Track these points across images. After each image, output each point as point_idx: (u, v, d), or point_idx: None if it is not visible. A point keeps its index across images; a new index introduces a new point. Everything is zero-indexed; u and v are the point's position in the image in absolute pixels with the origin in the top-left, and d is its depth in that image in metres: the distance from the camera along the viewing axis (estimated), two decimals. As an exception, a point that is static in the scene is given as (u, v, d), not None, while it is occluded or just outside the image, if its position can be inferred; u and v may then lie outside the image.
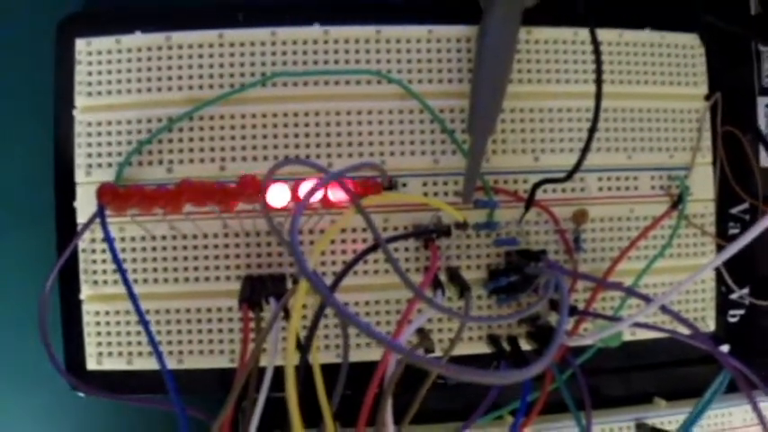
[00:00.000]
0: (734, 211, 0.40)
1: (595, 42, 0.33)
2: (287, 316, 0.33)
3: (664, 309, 0.31)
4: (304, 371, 0.31)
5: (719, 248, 0.40)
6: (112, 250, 0.34)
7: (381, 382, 0.30)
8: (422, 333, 0.35)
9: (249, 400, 0.31)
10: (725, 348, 0.39)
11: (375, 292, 0.37)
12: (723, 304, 0.41)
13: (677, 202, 0.38)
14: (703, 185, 0.40)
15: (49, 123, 0.37)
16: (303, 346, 0.31)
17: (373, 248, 0.33)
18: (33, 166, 0.39)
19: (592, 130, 0.33)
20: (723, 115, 0.40)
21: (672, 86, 0.39)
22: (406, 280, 0.28)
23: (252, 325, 0.33)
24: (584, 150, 0.33)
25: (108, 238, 0.34)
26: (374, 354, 0.36)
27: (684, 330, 0.32)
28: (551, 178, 0.36)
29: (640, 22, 0.39)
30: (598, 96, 0.33)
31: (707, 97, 0.40)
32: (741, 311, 0.41)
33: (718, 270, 0.40)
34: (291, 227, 0.24)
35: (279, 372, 0.31)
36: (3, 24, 0.39)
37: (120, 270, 0.33)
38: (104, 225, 0.34)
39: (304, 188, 0.33)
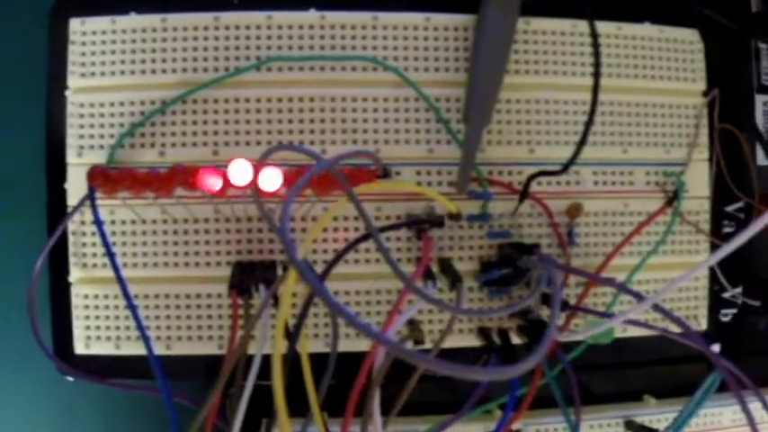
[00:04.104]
0: (729, 209, 0.40)
1: (594, 35, 0.32)
2: (277, 303, 0.33)
3: (657, 307, 0.31)
4: (292, 360, 0.31)
5: (713, 246, 0.39)
6: (102, 233, 0.34)
7: (369, 374, 0.30)
8: (412, 324, 0.35)
9: (237, 387, 0.31)
10: (716, 348, 0.39)
11: (366, 281, 0.37)
12: (715, 303, 0.40)
13: (672, 198, 0.38)
14: (699, 182, 0.39)
15: (41, 104, 0.37)
16: (291, 335, 0.31)
17: (365, 238, 0.32)
18: (24, 147, 0.38)
19: (588, 124, 0.32)
20: (720, 112, 0.39)
21: (670, 81, 0.39)
22: (398, 270, 0.28)
23: (241, 312, 0.33)
24: (580, 143, 0.32)
25: (98, 221, 0.34)
26: (363, 344, 0.36)
27: (676, 329, 0.32)
28: (546, 171, 0.35)
29: (640, 16, 0.39)
30: (595, 89, 0.32)
31: (705, 93, 0.40)
32: (733, 310, 0.41)
33: (711, 268, 0.40)
34: (282, 216, 0.23)
35: (267, 360, 0.31)
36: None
37: (109, 253, 0.33)
38: (94, 208, 0.34)
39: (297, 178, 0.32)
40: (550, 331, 0.25)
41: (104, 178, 0.34)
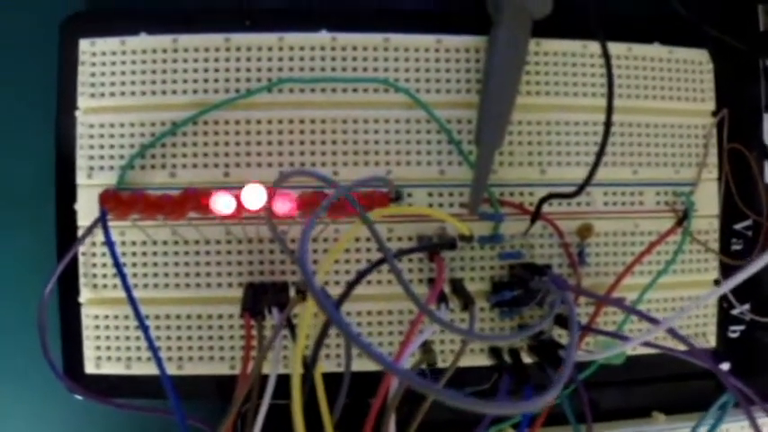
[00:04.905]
0: (737, 227, 0.40)
1: (607, 56, 0.33)
2: (288, 324, 0.33)
3: (670, 329, 0.31)
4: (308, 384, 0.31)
5: (722, 265, 0.40)
6: (114, 255, 0.33)
7: (385, 397, 0.30)
8: (425, 346, 0.35)
9: (251, 407, 0.31)
10: (725, 366, 0.39)
11: (379, 302, 0.37)
12: (724, 320, 0.40)
13: (682, 217, 0.38)
14: (708, 201, 0.40)
15: (51, 124, 0.36)
16: (308, 363, 0.31)
17: (379, 263, 0.32)
18: (35, 167, 0.38)
19: (602, 146, 0.33)
20: (729, 132, 0.39)
21: (679, 102, 0.39)
22: (413, 296, 0.28)
23: (253, 332, 0.33)
24: (594, 166, 0.33)
25: (109, 243, 0.34)
26: (375, 364, 0.36)
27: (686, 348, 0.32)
28: (558, 193, 0.36)
29: (649, 37, 0.39)
30: (609, 111, 0.32)
31: (714, 113, 0.40)
32: (741, 327, 0.41)
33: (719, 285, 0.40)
34: (301, 245, 0.23)
35: (280, 379, 0.31)
36: (5, 23, 0.39)
37: (121, 275, 0.33)
38: (106, 231, 0.34)
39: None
40: (569, 360, 0.25)
41: (117, 202, 0.34)
